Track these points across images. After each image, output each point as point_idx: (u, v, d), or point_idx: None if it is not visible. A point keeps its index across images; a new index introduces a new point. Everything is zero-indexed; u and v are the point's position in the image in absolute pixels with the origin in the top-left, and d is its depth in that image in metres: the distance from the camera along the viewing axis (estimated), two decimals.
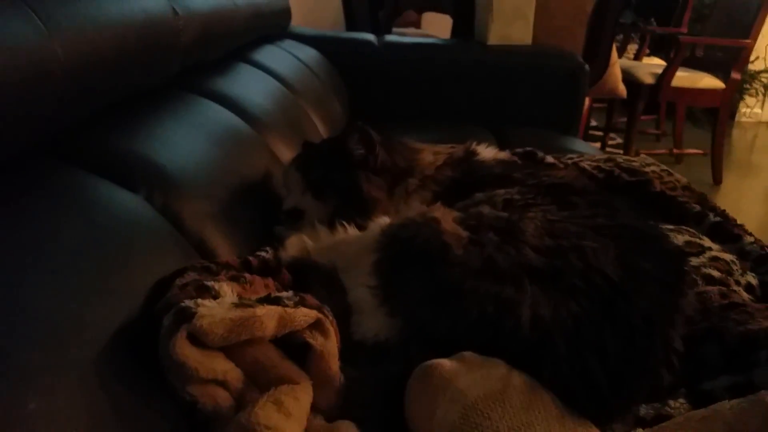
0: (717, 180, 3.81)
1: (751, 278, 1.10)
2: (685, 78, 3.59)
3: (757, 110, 5.68)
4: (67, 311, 0.59)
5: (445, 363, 0.68)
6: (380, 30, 3.25)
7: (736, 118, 5.67)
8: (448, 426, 0.62)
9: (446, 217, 0.84)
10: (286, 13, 2.31)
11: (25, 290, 0.57)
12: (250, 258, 0.84)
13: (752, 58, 5.02)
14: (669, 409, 0.74)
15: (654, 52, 4.78)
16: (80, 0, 0.86)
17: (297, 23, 2.51)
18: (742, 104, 5.64)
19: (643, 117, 4.00)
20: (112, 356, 0.59)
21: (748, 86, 5.47)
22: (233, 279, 0.73)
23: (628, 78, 3.54)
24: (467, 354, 0.69)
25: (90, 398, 0.54)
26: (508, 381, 0.66)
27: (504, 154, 1.25)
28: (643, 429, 0.70)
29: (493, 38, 2.46)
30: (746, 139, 5.31)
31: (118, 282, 0.67)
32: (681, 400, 0.75)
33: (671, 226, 1.24)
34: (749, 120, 5.71)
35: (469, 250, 0.77)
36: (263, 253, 0.89)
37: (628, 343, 0.71)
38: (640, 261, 0.79)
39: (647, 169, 1.52)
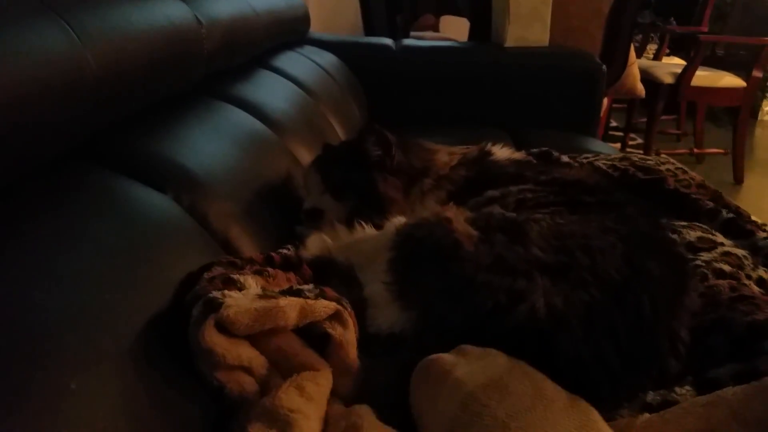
0: (738, 179, 3.78)
1: (763, 273, 1.12)
2: (705, 77, 3.57)
3: None
4: (102, 302, 0.63)
5: (445, 357, 0.70)
6: (398, 34, 3.29)
7: (759, 117, 5.59)
8: (450, 416, 0.64)
9: (458, 217, 0.87)
10: (305, 20, 2.36)
11: (64, 283, 0.62)
12: (273, 254, 0.88)
13: None
14: (675, 396, 0.76)
15: (674, 52, 4.75)
16: (110, 12, 0.91)
17: (316, 29, 2.56)
18: (765, 103, 5.57)
19: (663, 117, 3.99)
20: (144, 343, 0.63)
21: None
22: (257, 273, 0.77)
23: (648, 78, 3.54)
24: (466, 347, 0.72)
25: (124, 381, 0.58)
26: (506, 370, 0.68)
27: (519, 154, 1.28)
28: (650, 414, 0.73)
29: (510, 40, 2.49)
30: None
31: (149, 275, 0.72)
32: (687, 387, 0.78)
33: (684, 223, 1.26)
34: None
35: (480, 247, 0.80)
36: (285, 251, 0.93)
37: (637, 328, 0.74)
38: (645, 261, 0.82)
39: (662, 168, 1.53)
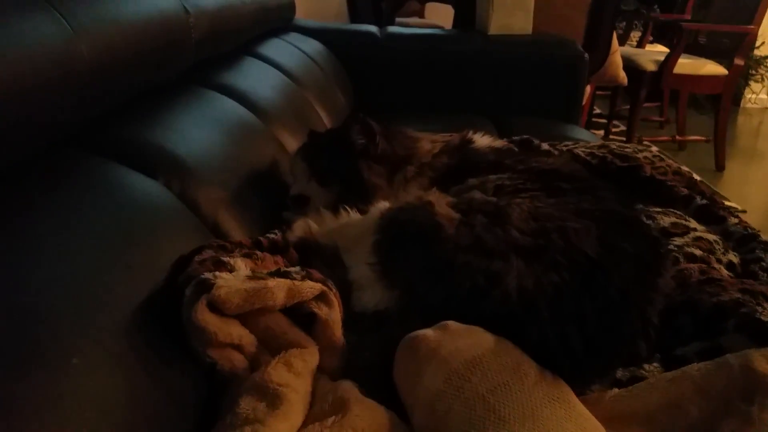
0: (720, 166, 3.83)
1: (733, 257, 1.16)
2: (687, 65, 3.60)
3: (763, 96, 5.66)
4: (99, 283, 0.66)
5: (430, 334, 0.73)
6: (383, 21, 3.30)
7: (742, 105, 5.66)
8: (434, 391, 0.68)
9: (440, 201, 0.91)
10: (290, 7, 2.37)
11: (61, 265, 0.65)
12: (261, 238, 0.91)
13: (758, 43, 5.04)
14: (643, 372, 0.81)
15: (657, 39, 4.78)
16: (101, 3, 0.93)
17: (301, 16, 2.57)
18: (747, 90, 5.63)
19: (646, 104, 4.02)
20: (140, 322, 0.66)
21: (753, 72, 5.47)
22: (246, 256, 0.80)
23: (631, 65, 3.56)
24: (450, 323, 0.75)
25: (122, 357, 0.62)
26: (488, 347, 0.71)
27: (499, 142, 1.32)
28: (618, 389, 0.77)
29: (494, 28, 2.51)
30: (751, 125, 5.32)
31: (143, 258, 0.75)
32: (655, 364, 0.82)
33: (659, 209, 1.30)
34: (755, 106, 5.70)
35: (460, 229, 0.84)
36: (272, 235, 0.96)
37: (605, 312, 0.78)
38: (620, 242, 0.85)
39: (639, 155, 1.58)
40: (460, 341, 0.72)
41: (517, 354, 0.72)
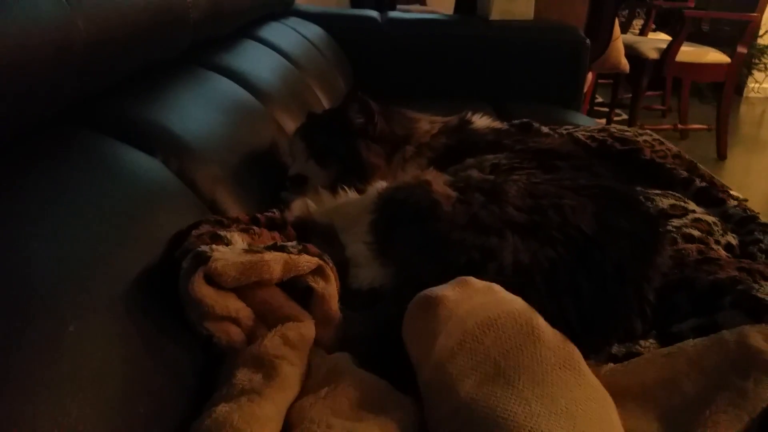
0: (722, 155, 3.82)
1: (731, 238, 1.17)
2: (690, 53, 3.59)
3: (766, 85, 5.64)
4: (97, 255, 0.67)
5: (449, 293, 0.72)
6: (384, 6, 3.29)
7: (744, 93, 5.64)
8: (447, 351, 0.67)
9: (437, 180, 0.91)
10: None
11: (59, 236, 0.65)
12: (259, 215, 0.91)
13: (761, 32, 5.02)
14: (639, 348, 0.80)
15: (660, 27, 4.77)
16: None
17: (302, 1, 2.57)
18: (750, 79, 5.61)
19: (648, 93, 4.02)
20: (137, 293, 0.67)
21: (757, 61, 5.45)
22: (243, 231, 0.80)
23: (633, 53, 3.55)
24: (470, 279, 0.74)
25: (119, 326, 0.62)
26: (505, 308, 0.70)
27: (498, 123, 1.31)
28: (614, 364, 0.77)
29: (495, 13, 2.50)
30: (754, 114, 5.31)
31: (141, 232, 0.75)
32: (651, 341, 0.82)
33: (658, 191, 1.30)
34: (758, 95, 5.68)
35: (457, 207, 0.84)
36: (270, 213, 0.97)
37: (600, 288, 0.78)
38: (617, 219, 0.86)
39: (639, 139, 1.57)
40: (477, 299, 0.72)
41: (533, 316, 0.71)
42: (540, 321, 0.71)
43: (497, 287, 0.74)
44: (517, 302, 0.73)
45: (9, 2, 0.71)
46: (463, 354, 0.66)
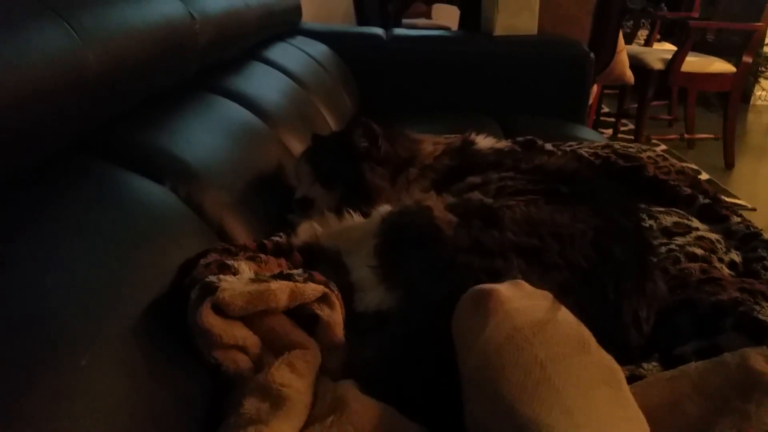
0: (729, 164, 3.82)
1: (735, 256, 1.17)
2: (695, 63, 3.59)
3: None
4: (107, 286, 0.68)
5: (502, 288, 0.72)
6: (390, 22, 3.32)
7: (751, 102, 5.64)
8: (494, 344, 0.66)
9: (438, 205, 0.93)
10: (296, 11, 2.39)
11: (71, 269, 0.66)
12: (265, 241, 0.93)
13: (767, 40, 5.01)
14: (642, 371, 0.81)
15: (665, 38, 4.78)
16: (108, 10, 0.95)
17: (308, 19, 2.59)
18: (757, 88, 5.61)
19: (654, 103, 4.02)
20: (147, 324, 0.68)
21: (763, 69, 5.44)
22: (250, 259, 0.82)
23: (638, 64, 3.56)
24: (523, 282, 0.74)
25: (130, 359, 0.63)
26: (555, 314, 0.70)
27: (502, 143, 1.33)
28: None
29: (499, 29, 2.52)
30: (761, 122, 5.29)
31: (150, 262, 0.77)
32: (654, 363, 0.83)
33: (662, 209, 1.31)
34: (764, 103, 5.67)
35: (459, 231, 0.86)
36: (277, 238, 0.98)
37: (604, 307, 0.80)
38: (612, 249, 0.87)
39: (642, 155, 1.58)
40: (528, 301, 0.71)
41: (581, 328, 0.70)
42: (589, 334, 0.70)
43: (549, 294, 0.74)
44: (567, 312, 0.72)
45: (19, 35, 0.73)
46: (510, 350, 0.65)
